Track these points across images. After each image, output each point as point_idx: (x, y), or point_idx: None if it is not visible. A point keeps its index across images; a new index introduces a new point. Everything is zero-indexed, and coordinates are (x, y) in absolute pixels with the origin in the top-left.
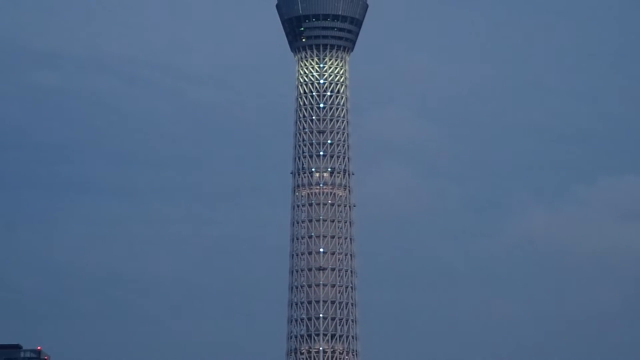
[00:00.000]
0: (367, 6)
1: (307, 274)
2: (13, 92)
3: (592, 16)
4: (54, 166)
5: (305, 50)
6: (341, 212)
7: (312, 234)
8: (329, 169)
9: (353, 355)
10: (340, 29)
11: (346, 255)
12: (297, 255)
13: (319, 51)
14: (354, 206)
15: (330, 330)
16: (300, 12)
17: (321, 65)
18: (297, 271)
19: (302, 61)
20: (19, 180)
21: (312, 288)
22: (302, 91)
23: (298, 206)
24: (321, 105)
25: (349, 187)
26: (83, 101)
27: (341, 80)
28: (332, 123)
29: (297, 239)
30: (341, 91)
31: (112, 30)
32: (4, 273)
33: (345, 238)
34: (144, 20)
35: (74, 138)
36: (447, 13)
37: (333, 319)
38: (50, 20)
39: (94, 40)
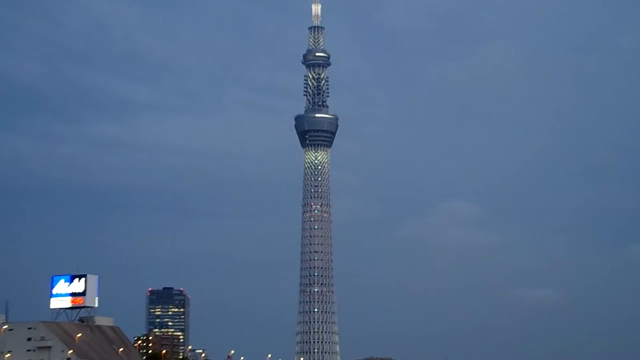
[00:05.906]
0: (338, 125)
1: (309, 254)
2: (149, 169)
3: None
4: (184, 204)
5: (309, 146)
6: (326, 225)
7: (312, 235)
8: (320, 204)
9: (331, 292)
10: (325, 137)
11: (329, 245)
12: (304, 245)
13: (315, 147)
14: (332, 222)
15: (321, 280)
16: (306, 128)
17: (316, 154)
18: (304, 252)
19: (306, 152)
20: (156, 210)
21: (311, 261)
22: (306, 167)
23: (305, 222)
24: (316, 173)
25: (329, 212)
26: (194, 173)
27: (326, 161)
28: (321, 181)
29: (304, 237)
30: (325, 167)
31: (200, 134)
32: (162, 263)
33: (328, 237)
34: (215, 127)
35: (186, 190)
36: (379, 124)
37: (321, 275)
38: (172, 129)
39: (197, 140)
